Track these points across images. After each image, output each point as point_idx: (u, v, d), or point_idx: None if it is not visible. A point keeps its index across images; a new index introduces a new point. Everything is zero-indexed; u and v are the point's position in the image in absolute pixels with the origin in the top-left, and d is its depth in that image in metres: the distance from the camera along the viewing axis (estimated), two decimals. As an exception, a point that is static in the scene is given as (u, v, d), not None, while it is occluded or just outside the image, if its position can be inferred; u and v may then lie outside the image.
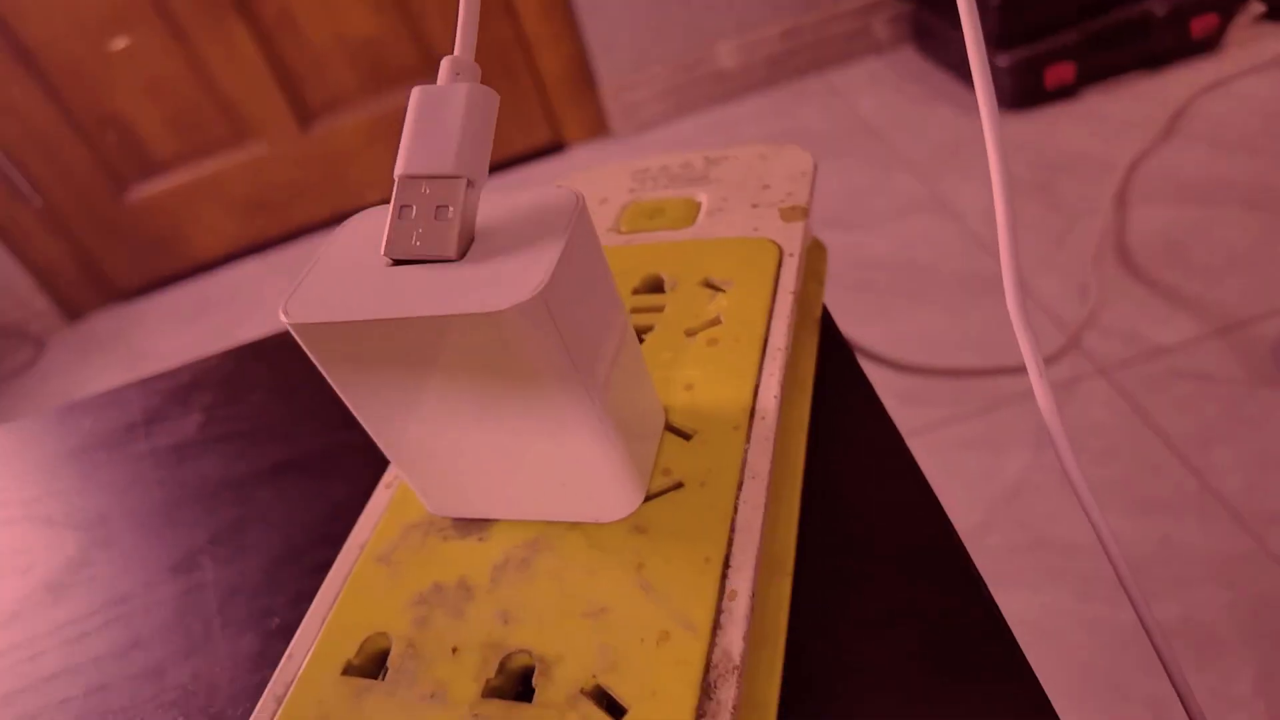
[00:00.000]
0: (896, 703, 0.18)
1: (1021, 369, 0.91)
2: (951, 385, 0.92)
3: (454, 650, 0.16)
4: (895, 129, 1.36)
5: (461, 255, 0.15)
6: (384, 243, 0.15)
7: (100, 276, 1.61)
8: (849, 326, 1.01)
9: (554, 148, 1.59)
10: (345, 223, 0.17)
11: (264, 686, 0.23)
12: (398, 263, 0.15)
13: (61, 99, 1.43)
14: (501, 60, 1.47)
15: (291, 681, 0.17)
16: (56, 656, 0.26)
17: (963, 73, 1.40)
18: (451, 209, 0.15)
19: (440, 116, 0.15)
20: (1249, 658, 0.66)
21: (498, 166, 1.58)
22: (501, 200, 0.16)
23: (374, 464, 0.27)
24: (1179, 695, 0.19)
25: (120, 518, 0.30)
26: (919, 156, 1.28)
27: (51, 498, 0.32)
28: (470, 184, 0.15)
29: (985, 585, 0.20)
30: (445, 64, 0.16)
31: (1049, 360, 0.91)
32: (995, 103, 0.18)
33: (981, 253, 1.08)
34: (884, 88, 1.46)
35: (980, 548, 0.77)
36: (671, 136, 1.51)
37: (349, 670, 0.17)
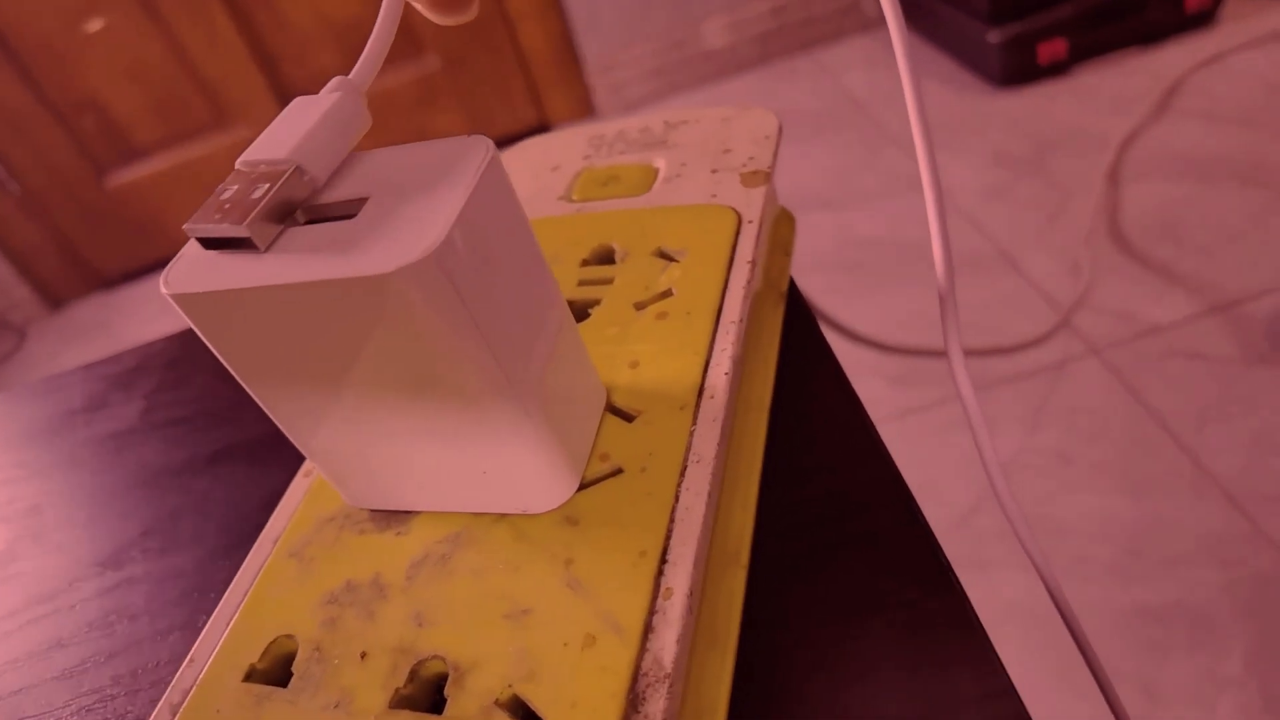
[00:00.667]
0: (860, 700, 0.16)
1: (1013, 348, 0.90)
2: (942, 366, 0.90)
3: (363, 655, 0.15)
4: (885, 107, 1.33)
5: (255, 235, 0.13)
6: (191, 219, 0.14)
7: (82, 264, 1.59)
8: (837, 305, 1.00)
9: (540, 129, 1.56)
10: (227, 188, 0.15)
11: (190, 689, 0.21)
12: (298, 225, 0.14)
13: (36, 82, 1.40)
14: (485, 36, 1.44)
15: (189, 689, 0.16)
16: (-25, 658, 0.24)
17: (954, 48, 1.37)
18: (266, 187, 0.13)
19: (300, 118, 0.15)
20: (1241, 638, 0.65)
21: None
22: (404, 151, 0.14)
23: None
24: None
25: (52, 509, 0.29)
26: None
27: (-17, 489, 0.31)
28: (299, 170, 0.14)
29: (954, 573, 0.18)
30: (332, 81, 0.17)
31: (1041, 339, 0.90)
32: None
33: (972, 231, 1.06)
34: (873, 65, 1.44)
35: (971, 529, 0.76)
36: (659, 116, 1.49)
37: (251, 676, 0.15)
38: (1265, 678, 0.63)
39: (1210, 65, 1.20)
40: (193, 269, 0.14)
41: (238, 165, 0.14)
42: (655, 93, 1.52)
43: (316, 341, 0.14)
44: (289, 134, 0.14)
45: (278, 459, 0.27)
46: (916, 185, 1.16)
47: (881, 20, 1.52)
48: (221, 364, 0.32)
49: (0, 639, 0.24)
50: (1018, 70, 1.25)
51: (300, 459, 0.27)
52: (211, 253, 0.14)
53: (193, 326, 0.14)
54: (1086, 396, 0.84)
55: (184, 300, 0.14)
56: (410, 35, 1.42)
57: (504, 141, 1.55)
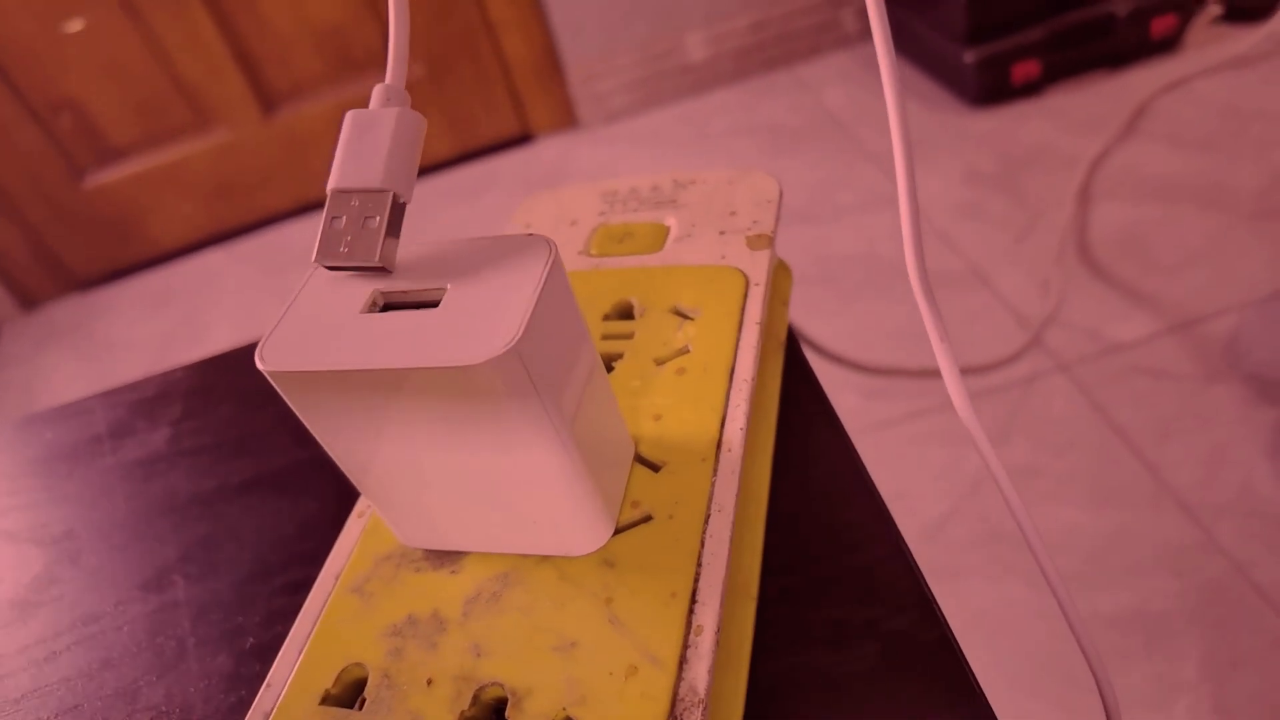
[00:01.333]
0: (851, 718, 0.19)
1: (986, 367, 0.93)
2: (914, 380, 0.94)
3: (429, 681, 0.17)
4: (861, 123, 1.37)
5: (385, 263, 0.16)
6: (315, 250, 0.16)
7: (57, 265, 1.58)
8: (813, 321, 1.03)
9: (522, 138, 1.58)
10: (314, 272, 0.17)
11: (239, 707, 0.23)
12: (377, 309, 0.16)
13: (13, 82, 1.39)
14: (468, 46, 1.46)
15: (270, 711, 0.18)
16: (25, 677, 0.26)
17: (931, 67, 1.41)
18: (377, 219, 0.15)
19: (370, 137, 0.17)
20: (1195, 644, 0.68)
21: (466, 158, 1.57)
22: (476, 244, 0.16)
23: (342, 481, 0.28)
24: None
25: (87, 533, 0.30)
26: (885, 151, 1.29)
27: (14, 512, 0.32)
28: (396, 197, 0.16)
29: (937, 604, 0.21)
30: (377, 91, 0.18)
31: (1011, 358, 0.93)
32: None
33: (945, 248, 1.10)
34: (851, 82, 1.47)
35: (943, 539, 0.79)
36: (640, 128, 1.51)
37: (327, 700, 0.17)
38: (1217, 682, 0.66)
39: (1174, 89, 1.25)
40: (284, 345, 0.16)
41: (330, 190, 0.16)
42: (637, 104, 1.54)
43: (393, 412, 0.16)
44: (370, 157, 0.16)
45: (306, 489, 0.29)
46: (893, 202, 1.19)
47: (860, 37, 1.56)
48: (244, 394, 0.34)
49: (49, 658, 0.26)
50: (992, 90, 1.29)
51: (328, 489, 0.29)
52: (302, 329, 0.16)
53: (280, 393, 0.16)
54: (1054, 411, 0.88)
55: (278, 377, 0.15)
56: (395, 43, 1.43)
57: (487, 149, 1.57)
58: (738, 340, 0.22)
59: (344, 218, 0.16)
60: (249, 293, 1.44)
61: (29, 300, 1.58)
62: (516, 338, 0.14)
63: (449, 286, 0.15)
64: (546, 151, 1.54)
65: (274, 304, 1.39)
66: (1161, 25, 1.26)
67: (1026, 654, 0.70)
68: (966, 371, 0.93)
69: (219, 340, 1.34)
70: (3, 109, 1.41)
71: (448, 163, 1.57)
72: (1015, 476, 0.83)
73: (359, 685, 0.17)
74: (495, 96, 1.52)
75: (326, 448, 0.17)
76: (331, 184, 0.17)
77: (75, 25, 1.36)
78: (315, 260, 0.16)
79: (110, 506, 0.31)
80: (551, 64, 1.50)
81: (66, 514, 0.31)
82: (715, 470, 0.19)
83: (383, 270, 0.16)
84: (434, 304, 0.15)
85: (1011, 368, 0.93)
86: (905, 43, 1.47)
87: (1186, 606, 0.71)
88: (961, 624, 0.71)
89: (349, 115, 0.17)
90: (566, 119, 1.56)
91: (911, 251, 0.20)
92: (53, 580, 0.29)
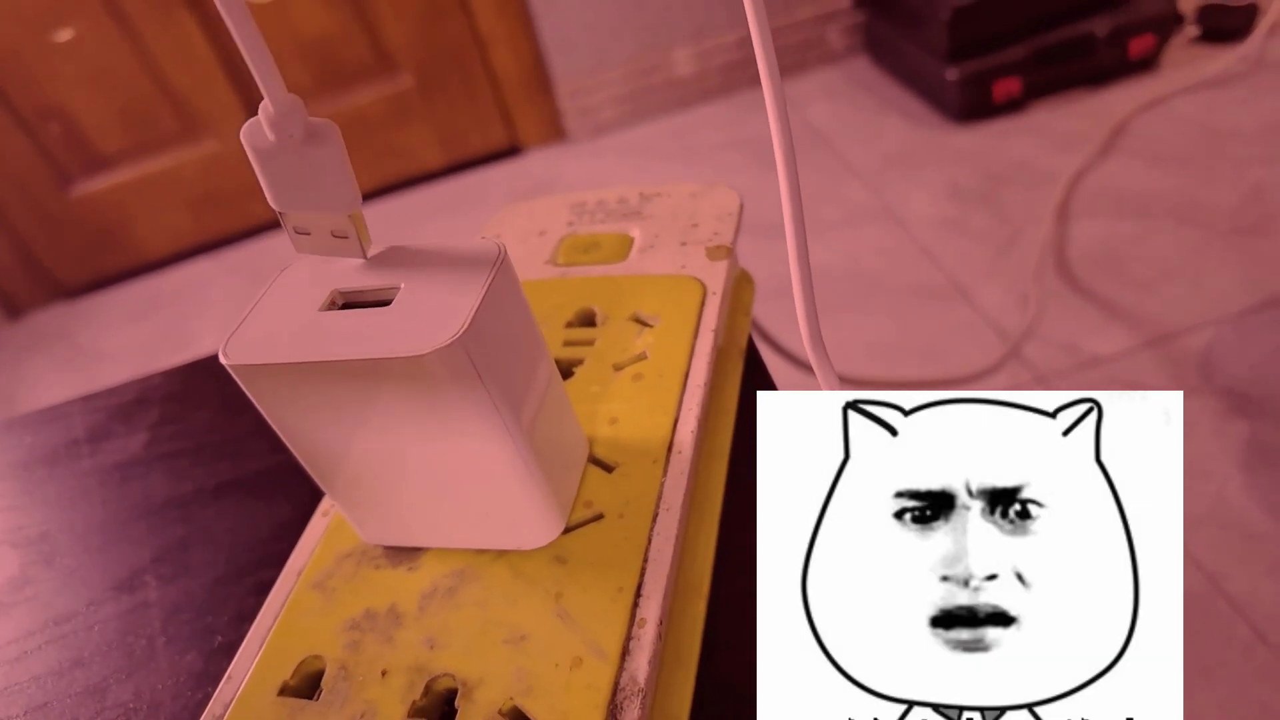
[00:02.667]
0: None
1: (964, 379, 0.94)
2: (896, 390, 0.95)
3: (383, 673, 0.17)
4: (846, 138, 1.38)
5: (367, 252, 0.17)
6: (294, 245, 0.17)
7: (43, 273, 1.58)
8: (794, 336, 1.03)
9: (510, 151, 1.59)
10: (282, 273, 0.18)
11: (205, 703, 0.23)
12: (336, 308, 0.16)
13: (1, 90, 1.39)
14: (457, 59, 1.47)
15: (230, 702, 0.18)
16: (-3, 675, 0.26)
17: (914, 83, 1.43)
18: (349, 235, 0.16)
19: (300, 164, 0.16)
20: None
21: (455, 170, 1.58)
22: (430, 248, 0.17)
23: (314, 485, 0.28)
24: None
25: (62, 535, 0.31)
26: (869, 166, 1.31)
27: (-8, 514, 0.33)
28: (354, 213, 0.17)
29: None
30: (272, 116, 0.15)
31: (990, 370, 0.95)
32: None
33: (928, 263, 1.11)
34: (836, 97, 1.49)
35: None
36: (627, 142, 1.53)
37: (285, 691, 0.18)
38: (1188, 692, 0.67)
39: (1153, 108, 1.27)
40: (247, 341, 0.16)
41: (279, 210, 0.17)
42: (624, 117, 1.56)
43: (351, 405, 0.16)
44: (313, 183, 0.16)
45: (279, 492, 0.30)
46: (875, 217, 1.21)
47: (845, 54, 1.58)
48: (221, 400, 0.34)
49: (21, 657, 0.27)
50: (974, 107, 1.31)
51: (302, 493, 0.29)
52: (265, 326, 0.16)
53: (245, 389, 0.17)
54: (1031, 423, 0.89)
55: (240, 370, 0.16)
56: (383, 54, 1.45)
57: (474, 161, 1.58)
58: (693, 347, 0.23)
59: (310, 233, 0.17)
60: (235, 302, 1.44)
61: (15, 308, 1.58)
62: (462, 330, 0.15)
63: (403, 286, 0.16)
64: (535, 164, 1.55)
65: (261, 313, 1.39)
66: (1140, 45, 1.29)
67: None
68: (947, 382, 0.94)
69: (205, 349, 1.34)
70: (-9, 117, 1.41)
71: (436, 174, 1.58)
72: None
73: (316, 677, 0.18)
74: (484, 109, 1.54)
75: (289, 444, 0.18)
76: (279, 207, 0.16)
77: (65, 34, 1.36)
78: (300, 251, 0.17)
79: (87, 509, 0.32)
80: (540, 78, 1.51)
81: (43, 516, 0.32)
82: (665, 472, 0.20)
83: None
84: (388, 302, 0.16)
85: (990, 379, 0.94)
86: (890, 59, 1.49)
87: (1159, 617, 0.72)
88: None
89: (253, 145, 0.15)
90: (555, 132, 1.57)
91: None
92: (27, 581, 0.29)
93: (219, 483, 0.31)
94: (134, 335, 1.44)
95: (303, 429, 0.17)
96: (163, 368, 0.34)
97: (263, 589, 0.27)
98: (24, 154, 1.46)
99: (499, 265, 0.16)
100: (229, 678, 0.18)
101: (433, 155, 1.56)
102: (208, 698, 0.24)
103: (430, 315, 0.16)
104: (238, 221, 1.59)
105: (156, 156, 1.51)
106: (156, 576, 0.28)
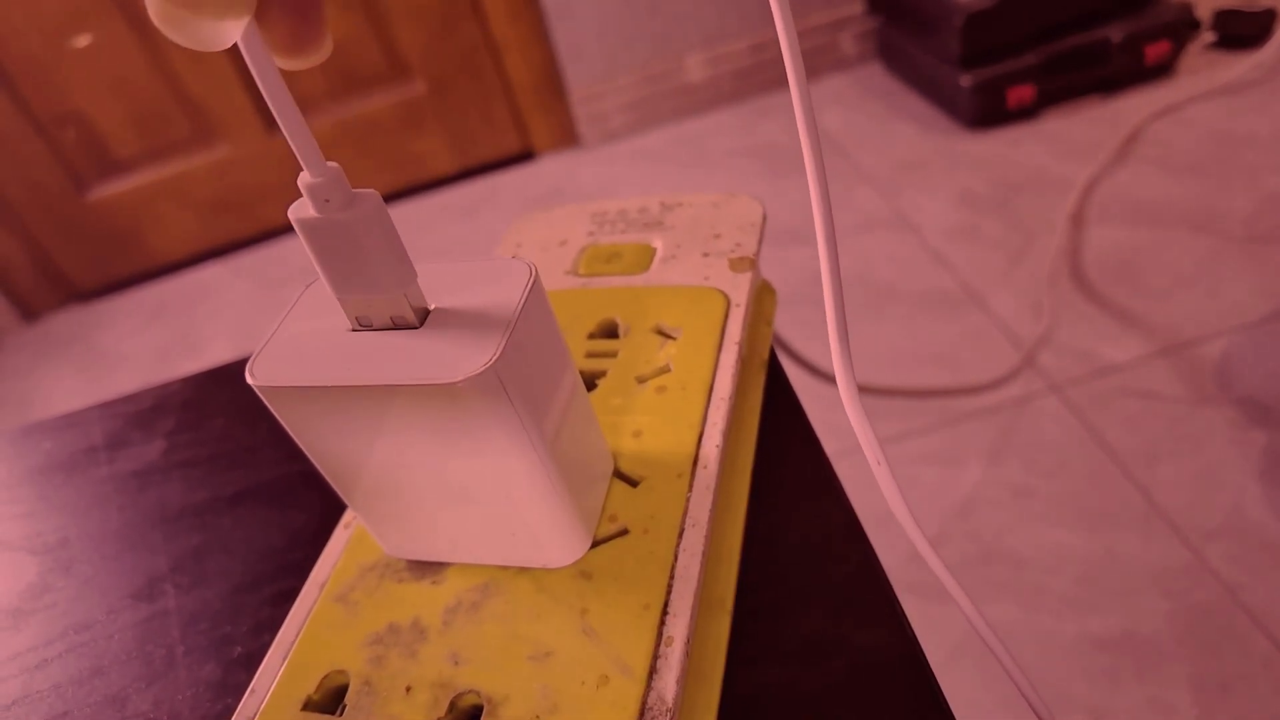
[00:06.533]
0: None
1: (978, 388, 0.94)
2: (908, 400, 0.94)
3: (407, 689, 0.17)
4: (858, 145, 1.38)
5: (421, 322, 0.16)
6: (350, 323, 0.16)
7: (58, 276, 1.59)
8: (807, 341, 1.03)
9: (523, 156, 1.60)
10: (306, 289, 0.18)
11: (225, 715, 0.23)
12: (364, 329, 0.16)
13: (19, 95, 1.40)
14: (471, 64, 1.47)
15: (253, 716, 0.18)
16: (17, 684, 0.26)
17: (927, 90, 1.43)
18: (405, 314, 0.16)
19: (350, 245, 0.15)
20: (1186, 666, 0.69)
21: (468, 174, 1.58)
22: (460, 268, 0.17)
23: (331, 494, 0.28)
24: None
25: (81, 543, 0.31)
26: (881, 172, 1.31)
27: (10, 521, 0.33)
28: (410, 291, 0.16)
29: (907, 621, 0.21)
30: (313, 189, 0.15)
31: (1005, 379, 0.94)
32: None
33: (941, 270, 1.11)
34: (848, 104, 1.49)
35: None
36: (639, 148, 1.53)
37: (308, 706, 0.18)
38: (1207, 705, 0.66)
39: (1167, 115, 1.26)
40: (273, 362, 0.16)
41: (342, 300, 0.16)
42: (636, 123, 1.56)
43: (378, 426, 0.16)
44: (364, 266, 0.16)
45: (295, 501, 0.30)
46: (888, 224, 1.20)
47: (858, 60, 1.57)
48: (237, 408, 0.34)
49: (41, 665, 0.26)
50: (987, 113, 1.31)
51: (319, 502, 0.29)
52: (291, 347, 0.16)
53: (270, 408, 0.17)
54: (1046, 432, 0.88)
55: (268, 392, 0.16)
56: (397, 60, 1.45)
57: (486, 166, 1.58)
58: (717, 360, 0.22)
59: (373, 324, 0.16)
60: (247, 306, 1.45)
61: (30, 311, 1.59)
62: (495, 357, 0.15)
63: (433, 308, 0.16)
64: (547, 169, 1.55)
65: (271, 318, 1.39)
66: (1155, 51, 1.28)
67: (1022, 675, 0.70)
68: (961, 392, 0.94)
69: (216, 353, 1.35)
70: (8, 121, 1.42)
71: (449, 179, 1.58)
72: (1007, 496, 0.84)
73: (340, 692, 0.18)
74: (497, 114, 1.54)
75: (314, 460, 0.18)
76: (337, 293, 0.16)
77: (83, 40, 1.37)
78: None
79: (104, 517, 0.32)
80: (553, 83, 1.51)
81: (61, 523, 0.32)
82: (691, 487, 0.20)
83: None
84: (418, 324, 0.16)
85: (1004, 389, 0.93)
86: (902, 65, 1.48)
87: (1177, 629, 0.71)
88: (950, 645, 0.71)
89: (304, 228, 0.15)
90: (567, 137, 1.58)
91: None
92: (46, 588, 0.29)
93: (236, 491, 0.31)
94: (146, 338, 1.45)
95: (327, 445, 0.17)
96: (175, 370, 0.34)
97: (281, 599, 0.27)
98: (40, 158, 1.47)
99: (531, 287, 0.16)
100: (252, 691, 0.18)
101: (445, 160, 1.56)
102: (228, 709, 0.23)
103: (462, 339, 0.15)
104: (250, 226, 1.59)
105: (170, 161, 1.52)
106: (174, 585, 0.28)
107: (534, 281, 0.16)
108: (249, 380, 0.16)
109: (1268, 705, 0.66)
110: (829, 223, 0.18)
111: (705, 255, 0.26)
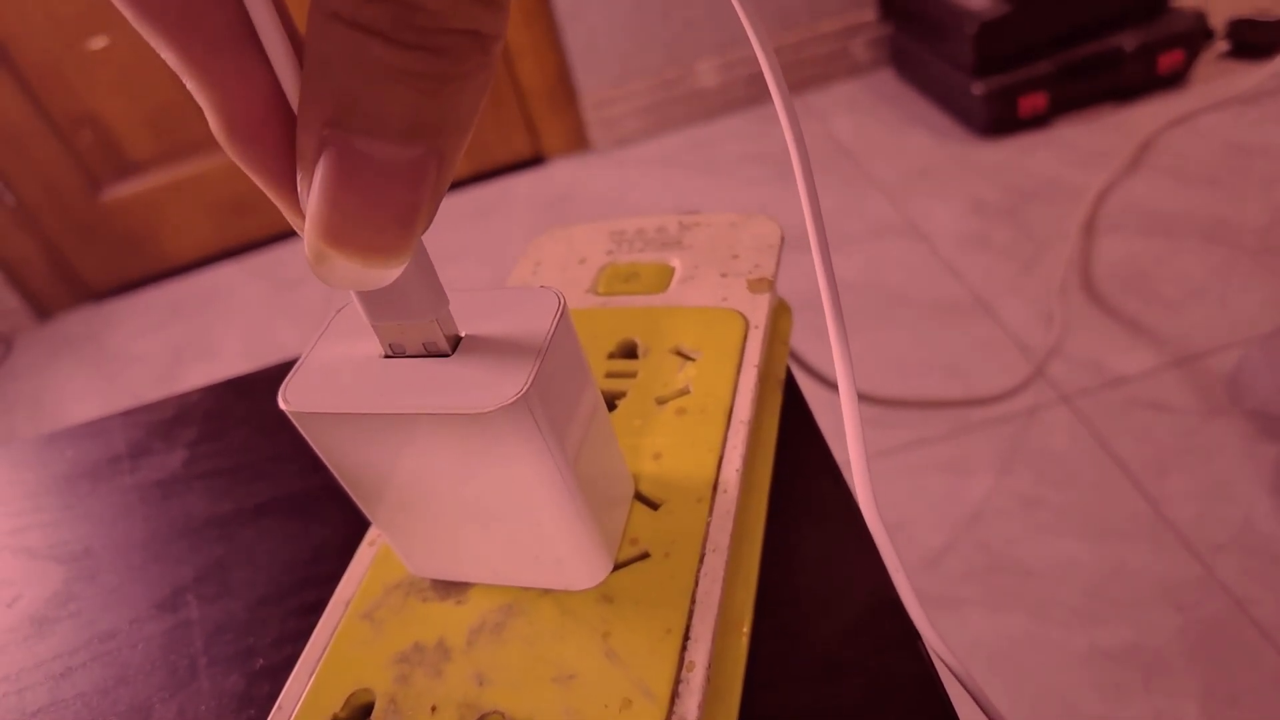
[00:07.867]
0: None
1: (988, 399, 0.94)
2: (917, 410, 0.94)
3: (433, 708, 0.18)
4: (869, 151, 1.38)
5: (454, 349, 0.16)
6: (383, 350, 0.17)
7: (72, 276, 1.60)
8: (817, 350, 1.03)
9: (534, 160, 1.60)
10: (338, 313, 0.18)
11: (248, 727, 0.24)
12: (389, 356, 0.17)
13: (36, 96, 1.42)
14: (484, 71, 1.48)
15: (280, 734, 0.18)
16: (42, 691, 0.27)
17: (939, 97, 1.43)
18: (437, 339, 0.16)
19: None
20: (1196, 679, 0.68)
21: (480, 178, 1.59)
22: (490, 295, 0.17)
23: (353, 508, 0.29)
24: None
25: (105, 552, 0.31)
26: (892, 180, 1.31)
27: (35, 529, 0.33)
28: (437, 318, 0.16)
29: (923, 642, 0.21)
30: None
31: (1015, 389, 0.94)
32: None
33: (951, 279, 1.11)
34: (860, 110, 1.49)
35: (942, 570, 0.79)
36: (650, 153, 1.53)
37: (334, 724, 0.18)
38: (1216, 718, 0.66)
39: (1180, 124, 1.26)
40: (305, 387, 0.17)
41: (375, 326, 0.17)
42: (648, 128, 1.56)
43: (407, 451, 0.17)
44: (396, 293, 0.16)
45: (318, 514, 0.30)
46: (898, 231, 1.20)
47: (869, 67, 1.58)
48: (259, 418, 0.35)
49: (66, 673, 0.27)
50: (1000, 121, 1.31)
51: (341, 515, 0.30)
52: (323, 372, 0.17)
53: (300, 431, 0.17)
54: (1056, 443, 0.88)
55: (300, 417, 0.16)
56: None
57: (500, 170, 1.59)
58: (736, 382, 0.23)
59: (404, 345, 0.16)
60: (260, 308, 1.46)
61: (44, 310, 1.60)
62: (526, 387, 0.15)
63: (463, 336, 0.16)
64: (558, 174, 1.56)
65: (284, 320, 1.40)
66: (1169, 60, 1.28)
67: (1029, 685, 0.70)
68: (971, 402, 0.94)
69: (229, 354, 1.35)
70: (25, 123, 1.44)
71: (461, 183, 1.59)
72: (1016, 506, 0.83)
73: (366, 710, 0.18)
74: (508, 119, 1.55)
75: (341, 480, 0.18)
76: (370, 318, 0.16)
77: (99, 42, 1.39)
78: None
79: (128, 526, 0.32)
80: (565, 89, 1.52)
81: (86, 532, 0.32)
82: (711, 511, 0.20)
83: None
84: (449, 352, 0.16)
85: (1015, 399, 0.93)
86: (914, 73, 1.48)
87: (1186, 642, 0.71)
88: (958, 656, 0.71)
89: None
90: (579, 142, 1.58)
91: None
92: (70, 597, 0.30)
93: (258, 502, 0.31)
94: (160, 338, 1.46)
95: (355, 467, 0.18)
96: (188, 371, 0.35)
97: (304, 611, 0.27)
98: (57, 160, 1.48)
99: (560, 317, 0.16)
100: (279, 707, 0.19)
101: (457, 164, 1.57)
102: (250, 720, 0.24)
103: (492, 368, 0.16)
104: (263, 227, 1.60)
105: (185, 163, 1.53)
106: (198, 596, 0.28)
107: (563, 311, 0.16)
108: (282, 406, 0.16)
109: (1277, 718, 0.66)
110: (825, 253, 0.18)
111: (723, 275, 0.26)
